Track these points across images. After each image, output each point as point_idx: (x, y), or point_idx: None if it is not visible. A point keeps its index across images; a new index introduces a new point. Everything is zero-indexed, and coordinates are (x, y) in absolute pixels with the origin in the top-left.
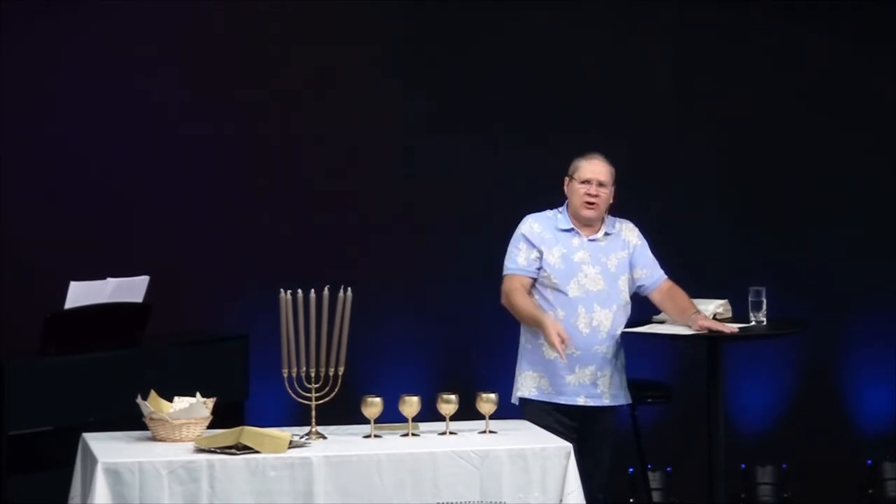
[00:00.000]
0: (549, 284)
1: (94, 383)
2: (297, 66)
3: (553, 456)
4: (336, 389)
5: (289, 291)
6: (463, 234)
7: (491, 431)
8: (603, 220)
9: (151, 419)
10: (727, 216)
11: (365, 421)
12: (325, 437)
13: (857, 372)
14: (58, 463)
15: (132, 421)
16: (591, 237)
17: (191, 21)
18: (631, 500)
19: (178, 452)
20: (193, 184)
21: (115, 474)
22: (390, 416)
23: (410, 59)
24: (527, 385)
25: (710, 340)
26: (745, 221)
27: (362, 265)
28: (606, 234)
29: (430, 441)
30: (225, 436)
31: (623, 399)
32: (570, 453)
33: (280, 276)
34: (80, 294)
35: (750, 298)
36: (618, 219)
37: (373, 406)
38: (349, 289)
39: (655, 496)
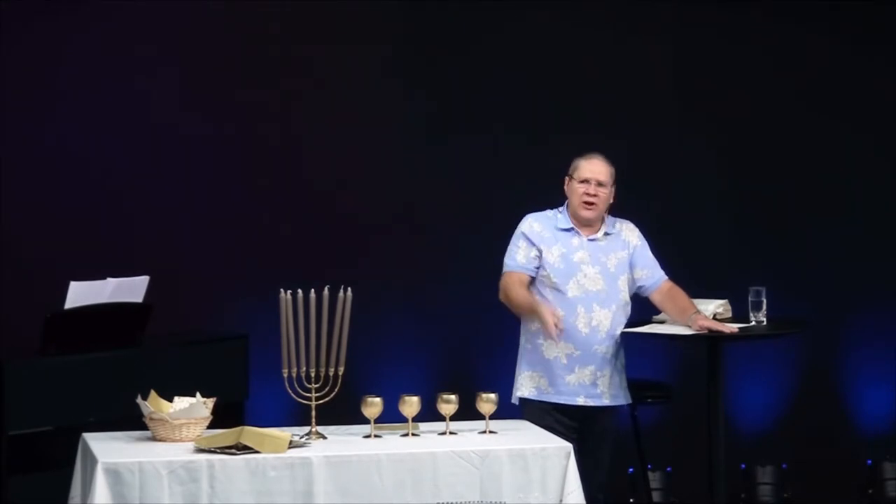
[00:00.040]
0: (549, 284)
1: (94, 383)
2: (297, 66)
3: (553, 456)
4: (336, 389)
5: (289, 291)
6: (463, 234)
7: (491, 431)
8: (603, 220)
9: (151, 419)
10: (727, 216)
11: (365, 421)
12: (325, 437)
13: (857, 372)
14: (58, 463)
15: (132, 421)
16: (590, 237)
17: (191, 21)
18: (631, 500)
19: (178, 452)
20: (193, 184)
21: (115, 474)
22: (390, 416)
23: (410, 59)
24: (526, 385)
25: (710, 340)
26: (745, 221)
27: (362, 265)
28: (606, 233)
29: (430, 441)
30: (225, 436)
31: (623, 399)
32: (570, 453)
33: (280, 276)
34: (80, 294)
35: (750, 298)
36: (618, 219)
37: (373, 406)
38: (349, 289)
39: (655, 496)
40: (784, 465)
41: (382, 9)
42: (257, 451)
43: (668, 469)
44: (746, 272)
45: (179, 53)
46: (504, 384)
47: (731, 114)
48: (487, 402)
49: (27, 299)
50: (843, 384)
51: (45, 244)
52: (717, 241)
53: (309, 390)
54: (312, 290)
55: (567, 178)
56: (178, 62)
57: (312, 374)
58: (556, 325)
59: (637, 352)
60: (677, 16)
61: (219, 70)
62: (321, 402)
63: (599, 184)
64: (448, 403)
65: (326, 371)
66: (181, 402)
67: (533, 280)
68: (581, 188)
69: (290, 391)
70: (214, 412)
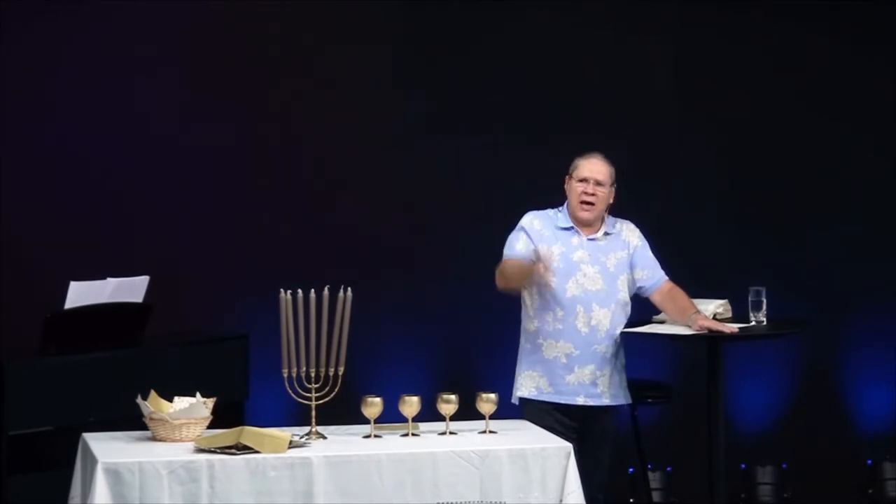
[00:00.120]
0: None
1: (94, 383)
2: (297, 65)
3: (553, 456)
4: (336, 389)
5: (289, 291)
6: (463, 234)
7: (491, 431)
8: (603, 220)
9: (151, 419)
10: (727, 216)
11: (365, 421)
12: (325, 437)
13: (857, 372)
14: (58, 463)
15: (132, 421)
16: (590, 236)
17: (191, 21)
18: (631, 500)
19: (178, 452)
20: (193, 184)
21: (115, 474)
22: (390, 416)
23: (410, 59)
24: (526, 385)
25: (710, 340)
26: (745, 221)
27: (362, 265)
28: (606, 233)
29: (430, 441)
30: (225, 436)
31: (623, 399)
32: (570, 453)
33: (280, 276)
34: (80, 294)
35: (750, 298)
36: (618, 219)
37: (373, 406)
38: (349, 289)
39: (655, 496)
40: (784, 465)
41: (382, 9)
42: (257, 451)
43: (668, 469)
44: (746, 272)
45: (179, 53)
46: (504, 384)
47: (731, 114)
48: (487, 402)
49: (27, 299)
50: (843, 384)
51: (45, 244)
52: (717, 241)
53: (309, 390)
54: (312, 290)
55: (567, 177)
56: (178, 62)
57: (312, 374)
58: (545, 268)
59: (637, 352)
60: (677, 16)
61: (219, 70)
62: (321, 402)
63: (598, 183)
64: (448, 403)
65: (326, 371)
66: (181, 402)
67: None
68: (579, 187)
69: (290, 391)
70: (214, 412)
